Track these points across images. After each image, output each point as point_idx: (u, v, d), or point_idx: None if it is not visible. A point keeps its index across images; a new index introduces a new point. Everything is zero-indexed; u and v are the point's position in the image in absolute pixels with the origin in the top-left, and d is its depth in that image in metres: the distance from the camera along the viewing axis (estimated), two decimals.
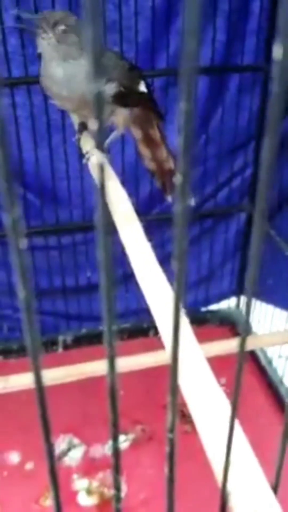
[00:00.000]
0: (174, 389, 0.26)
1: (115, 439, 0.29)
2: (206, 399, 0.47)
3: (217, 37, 1.46)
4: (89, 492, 1.44)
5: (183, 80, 0.20)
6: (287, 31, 0.19)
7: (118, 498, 0.32)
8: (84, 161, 1.06)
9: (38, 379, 0.25)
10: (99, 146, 0.21)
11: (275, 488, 0.34)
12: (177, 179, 0.22)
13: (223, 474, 0.34)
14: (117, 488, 0.31)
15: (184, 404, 0.47)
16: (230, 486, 0.35)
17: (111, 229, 0.23)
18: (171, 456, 0.30)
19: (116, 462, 0.30)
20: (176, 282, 0.24)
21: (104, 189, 0.20)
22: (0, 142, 0.19)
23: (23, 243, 0.22)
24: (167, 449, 0.30)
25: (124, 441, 1.56)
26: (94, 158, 1.03)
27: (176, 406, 0.28)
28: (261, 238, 0.24)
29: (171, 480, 0.31)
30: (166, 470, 0.31)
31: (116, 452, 0.29)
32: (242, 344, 0.29)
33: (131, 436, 1.60)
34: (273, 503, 0.34)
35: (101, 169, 0.20)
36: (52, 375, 1.17)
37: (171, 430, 0.29)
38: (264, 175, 0.21)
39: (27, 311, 0.24)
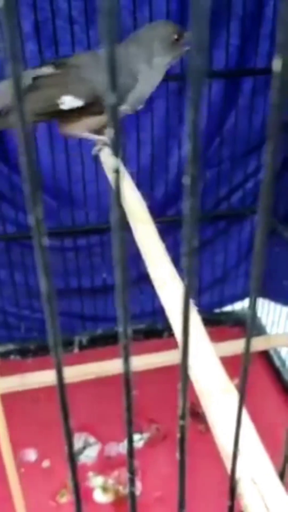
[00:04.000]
0: (185, 375, 0.28)
1: (129, 423, 0.30)
2: (217, 395, 0.49)
3: (231, 41, 1.48)
4: (104, 489, 1.46)
5: (192, 91, 0.22)
6: (286, 43, 0.21)
7: (132, 482, 0.34)
8: (95, 149, 1.03)
9: (59, 369, 0.27)
10: (114, 152, 0.23)
11: (281, 475, 0.36)
12: (186, 180, 0.24)
13: (232, 463, 0.35)
14: (131, 472, 0.33)
15: (198, 404, 0.48)
16: (238, 474, 0.37)
17: (126, 230, 0.25)
18: (182, 442, 0.32)
19: (130, 447, 0.32)
20: (186, 276, 0.26)
21: (120, 193, 0.22)
22: (26, 150, 0.21)
23: (45, 240, 0.24)
24: (178, 435, 0.32)
25: (139, 440, 1.58)
26: (106, 151, 1.01)
27: (187, 393, 0.30)
28: (265, 235, 0.26)
29: (182, 464, 0.33)
30: (177, 455, 0.33)
31: (130, 436, 0.31)
32: (249, 337, 0.30)
33: (146, 435, 1.62)
34: (279, 489, 0.35)
35: (117, 172, 0.22)
36: (68, 374, 1.19)
37: (182, 417, 0.31)
38: (265, 191, 0.23)
39: (49, 305, 0.26)
